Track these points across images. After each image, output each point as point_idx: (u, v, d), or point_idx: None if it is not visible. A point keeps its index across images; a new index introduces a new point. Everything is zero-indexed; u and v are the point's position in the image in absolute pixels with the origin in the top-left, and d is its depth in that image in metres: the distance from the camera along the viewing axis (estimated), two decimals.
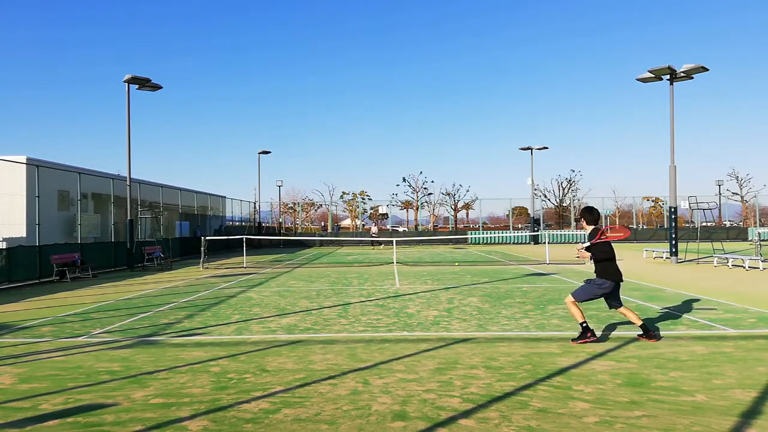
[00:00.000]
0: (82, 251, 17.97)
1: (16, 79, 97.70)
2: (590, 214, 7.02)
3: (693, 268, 17.55)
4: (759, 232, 21.25)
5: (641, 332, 6.91)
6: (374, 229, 39.28)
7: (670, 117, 20.02)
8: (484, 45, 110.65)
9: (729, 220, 55.13)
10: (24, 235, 20.58)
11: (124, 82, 20.45)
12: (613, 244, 6.86)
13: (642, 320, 6.91)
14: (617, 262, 6.85)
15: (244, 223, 44.21)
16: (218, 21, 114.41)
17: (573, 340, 6.84)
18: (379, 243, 37.01)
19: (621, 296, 7.09)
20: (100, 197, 25.24)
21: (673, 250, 20.22)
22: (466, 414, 4.33)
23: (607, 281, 6.70)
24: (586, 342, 6.71)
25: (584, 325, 6.77)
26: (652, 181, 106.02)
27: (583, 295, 6.86)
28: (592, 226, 6.95)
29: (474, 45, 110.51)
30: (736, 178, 54.63)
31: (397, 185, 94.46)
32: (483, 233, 41.94)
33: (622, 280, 6.83)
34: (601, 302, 10.17)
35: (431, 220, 55.58)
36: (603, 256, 6.75)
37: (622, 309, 6.86)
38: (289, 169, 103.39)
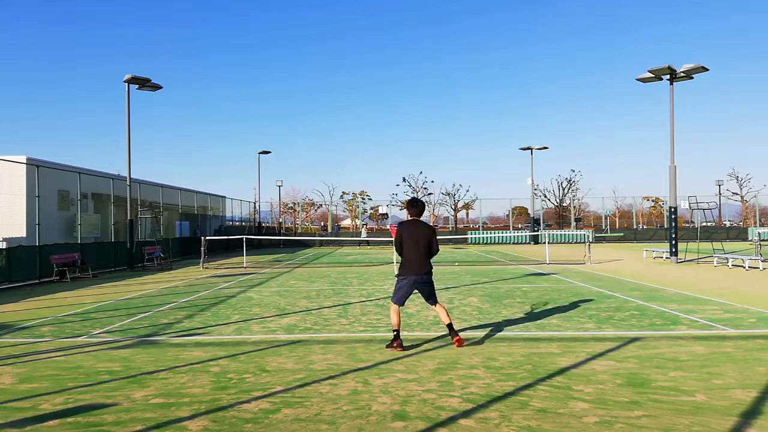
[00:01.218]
0: (82, 251, 17.97)
1: (16, 79, 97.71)
2: (413, 206, 6.81)
3: (693, 268, 17.56)
4: (759, 232, 21.25)
5: (448, 331, 6.81)
6: (364, 232, 39.42)
7: (670, 117, 20.03)
8: (485, 45, 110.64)
9: (729, 220, 55.15)
10: (24, 235, 20.59)
11: (124, 82, 20.45)
12: (409, 238, 6.59)
13: (450, 320, 6.73)
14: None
15: (244, 223, 44.21)
16: (218, 21, 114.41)
17: (387, 345, 6.64)
18: (367, 243, 37.69)
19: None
20: (100, 197, 25.25)
21: (673, 250, 20.22)
22: (466, 414, 4.33)
23: (400, 277, 6.67)
24: (393, 349, 6.48)
25: (395, 332, 6.54)
26: (652, 181, 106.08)
27: (396, 296, 6.64)
28: (415, 219, 6.81)
29: (474, 45, 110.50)
30: (736, 178, 54.73)
31: (397, 185, 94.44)
32: (483, 233, 41.94)
33: (414, 275, 6.54)
34: (602, 302, 10.21)
35: (431, 220, 55.59)
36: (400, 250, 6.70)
37: (436, 307, 6.74)
38: (289, 169, 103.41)
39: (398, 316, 6.59)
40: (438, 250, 6.73)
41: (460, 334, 6.86)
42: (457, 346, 6.59)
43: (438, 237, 6.82)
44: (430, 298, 6.73)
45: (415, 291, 6.70)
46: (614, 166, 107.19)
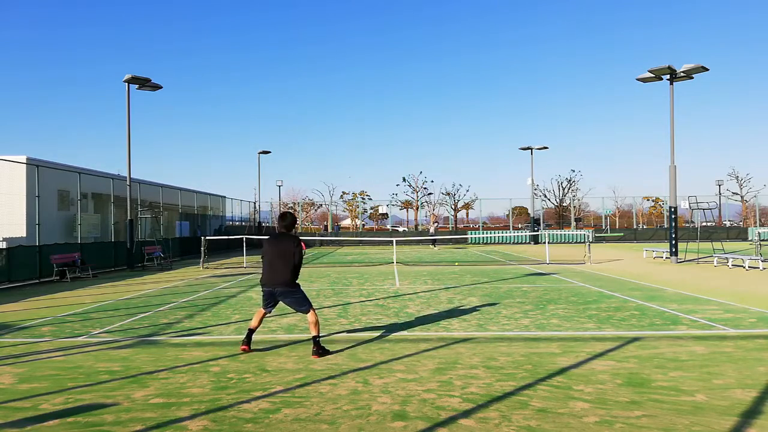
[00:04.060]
0: (82, 251, 17.96)
1: (17, 79, 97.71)
2: (281, 220, 6.82)
3: (693, 268, 17.56)
4: (759, 232, 21.24)
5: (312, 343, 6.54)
6: (432, 228, 36.52)
7: (670, 117, 20.03)
8: (485, 45, 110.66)
9: (729, 220, 55.14)
10: (24, 235, 20.58)
11: (124, 82, 20.44)
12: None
13: (317, 332, 6.44)
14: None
15: (244, 223, 44.21)
16: (218, 21, 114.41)
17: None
18: (434, 243, 34.51)
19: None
20: (100, 197, 25.24)
21: (673, 250, 20.22)
22: (466, 414, 4.34)
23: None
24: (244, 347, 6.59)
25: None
26: (652, 181, 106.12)
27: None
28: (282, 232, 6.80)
29: (474, 45, 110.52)
30: (736, 178, 54.68)
31: (397, 185, 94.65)
32: (483, 233, 41.94)
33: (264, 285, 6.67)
34: (602, 302, 10.21)
35: (431, 220, 55.60)
36: None
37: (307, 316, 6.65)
38: (289, 169, 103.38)
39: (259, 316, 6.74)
40: (299, 262, 6.55)
41: (317, 346, 6.54)
42: (315, 357, 6.34)
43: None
44: (299, 307, 6.61)
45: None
46: (614, 166, 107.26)
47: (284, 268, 6.46)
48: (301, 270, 6.76)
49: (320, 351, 6.38)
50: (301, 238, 6.97)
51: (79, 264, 17.23)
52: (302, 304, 6.56)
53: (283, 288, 6.49)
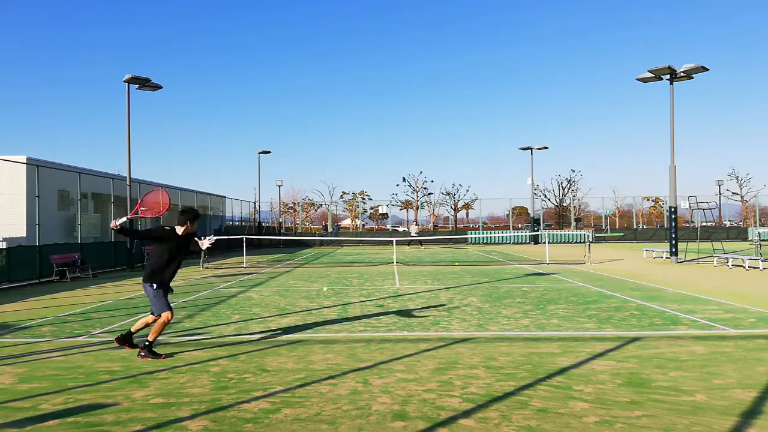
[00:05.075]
0: (82, 251, 17.96)
1: (17, 80, 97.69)
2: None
3: (693, 268, 17.56)
4: (759, 232, 21.24)
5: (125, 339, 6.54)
6: (414, 228, 36.44)
7: (670, 117, 20.04)
8: (484, 45, 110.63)
9: (729, 220, 55.13)
10: (24, 235, 20.58)
11: (124, 82, 20.45)
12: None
13: (138, 329, 6.58)
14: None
15: (244, 223, 44.20)
16: (218, 21, 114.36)
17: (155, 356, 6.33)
18: (419, 243, 34.62)
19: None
20: (100, 197, 25.23)
21: (673, 250, 20.22)
22: (466, 414, 4.34)
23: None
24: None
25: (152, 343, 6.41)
26: (652, 181, 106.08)
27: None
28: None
29: (474, 45, 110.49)
30: (736, 178, 54.69)
31: (397, 185, 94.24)
32: (483, 233, 41.94)
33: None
34: (602, 302, 10.20)
35: (431, 220, 55.64)
36: None
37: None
38: (289, 169, 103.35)
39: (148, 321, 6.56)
40: (152, 259, 6.75)
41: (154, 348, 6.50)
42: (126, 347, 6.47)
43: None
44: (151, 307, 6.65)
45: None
46: (614, 166, 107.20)
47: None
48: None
49: (149, 354, 6.29)
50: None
51: (79, 264, 17.23)
52: (152, 304, 6.60)
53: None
